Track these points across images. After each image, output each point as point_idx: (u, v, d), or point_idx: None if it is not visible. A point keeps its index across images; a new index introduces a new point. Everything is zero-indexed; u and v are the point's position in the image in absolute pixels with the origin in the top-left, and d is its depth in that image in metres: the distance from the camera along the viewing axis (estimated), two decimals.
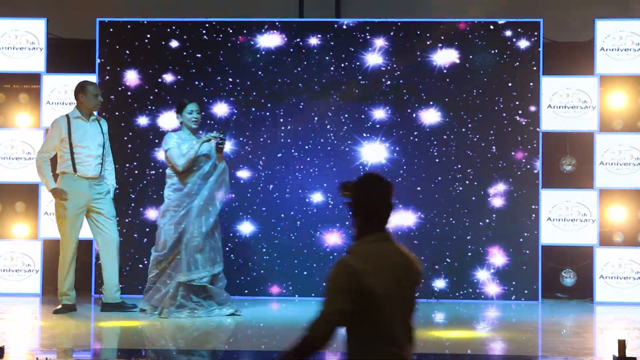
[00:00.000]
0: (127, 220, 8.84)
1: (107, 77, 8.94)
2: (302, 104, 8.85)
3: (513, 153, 8.79)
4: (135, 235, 8.86)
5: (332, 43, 8.84)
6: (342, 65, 8.85)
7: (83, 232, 8.94)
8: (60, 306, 7.87)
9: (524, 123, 8.77)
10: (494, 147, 8.80)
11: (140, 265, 8.73)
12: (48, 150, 7.92)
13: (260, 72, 8.89)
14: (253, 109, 8.88)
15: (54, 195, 7.90)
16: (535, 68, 8.78)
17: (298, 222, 8.82)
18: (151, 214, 8.82)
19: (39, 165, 7.90)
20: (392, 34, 8.84)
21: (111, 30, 8.94)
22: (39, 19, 9.02)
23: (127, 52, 8.95)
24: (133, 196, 8.89)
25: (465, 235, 8.76)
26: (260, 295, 8.77)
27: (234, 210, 8.82)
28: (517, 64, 8.81)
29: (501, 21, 8.85)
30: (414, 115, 8.83)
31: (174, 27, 8.94)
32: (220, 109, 8.88)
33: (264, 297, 8.75)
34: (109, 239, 7.95)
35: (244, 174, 8.86)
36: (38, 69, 9.02)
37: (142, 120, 8.93)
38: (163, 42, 8.93)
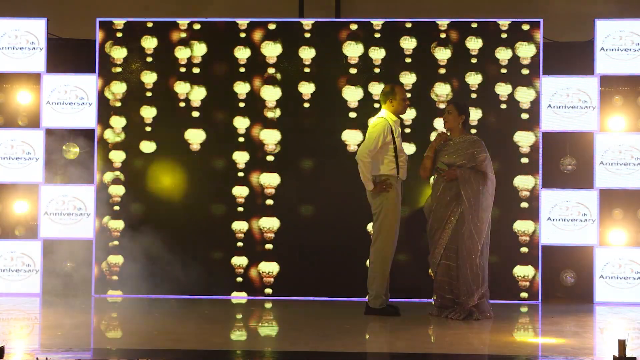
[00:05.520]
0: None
1: (107, 77, 8.94)
2: None
3: (513, 153, 8.79)
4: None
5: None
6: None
7: (83, 232, 8.94)
8: (381, 306, 7.72)
9: (523, 123, 8.78)
10: (494, 147, 8.79)
11: None
12: (373, 150, 7.64)
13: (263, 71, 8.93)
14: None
15: (380, 189, 7.66)
16: (535, 68, 8.79)
17: None
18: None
19: (367, 163, 7.65)
20: (390, 33, 8.87)
21: (111, 30, 8.96)
22: (39, 19, 9.03)
23: (128, 52, 8.96)
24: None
25: None
26: None
27: None
28: (517, 63, 8.81)
29: (501, 21, 8.86)
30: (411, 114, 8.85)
31: (174, 27, 8.95)
32: (218, 111, 8.94)
33: None
34: None
35: None
36: (38, 69, 9.02)
37: (142, 120, 8.95)
38: (163, 42, 8.94)
